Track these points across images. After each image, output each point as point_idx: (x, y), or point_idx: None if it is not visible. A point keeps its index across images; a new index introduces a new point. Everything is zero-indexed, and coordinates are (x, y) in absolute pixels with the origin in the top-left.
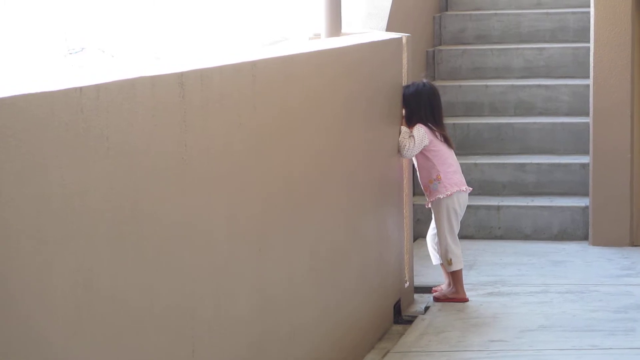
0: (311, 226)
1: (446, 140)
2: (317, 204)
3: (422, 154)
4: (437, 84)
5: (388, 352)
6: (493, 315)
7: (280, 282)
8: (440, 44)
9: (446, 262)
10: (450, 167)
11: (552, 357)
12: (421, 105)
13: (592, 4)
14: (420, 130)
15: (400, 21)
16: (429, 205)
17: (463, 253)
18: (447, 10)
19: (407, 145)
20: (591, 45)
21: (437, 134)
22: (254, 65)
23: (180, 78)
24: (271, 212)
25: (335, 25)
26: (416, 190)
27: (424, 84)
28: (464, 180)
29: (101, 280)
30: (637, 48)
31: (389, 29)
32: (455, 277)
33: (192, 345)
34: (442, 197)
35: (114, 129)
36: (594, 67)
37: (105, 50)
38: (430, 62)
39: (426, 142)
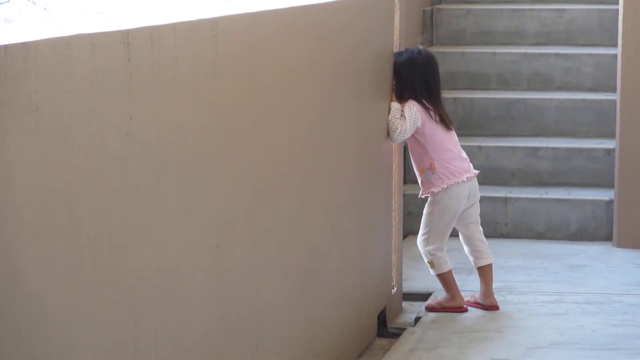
0: (283, 221)
1: (443, 121)
2: (290, 194)
3: (414, 138)
4: (436, 50)
5: None
6: (497, 328)
7: (242, 287)
8: (440, 2)
9: (428, 264)
10: (447, 153)
11: None
12: (415, 77)
13: None
14: (412, 109)
15: None
16: (423, 196)
17: (461, 254)
18: None
19: (399, 127)
20: (620, 6)
21: (431, 113)
22: (215, 23)
23: (126, 37)
24: (234, 201)
25: None
26: (407, 178)
27: (419, 51)
28: (467, 167)
29: (27, 280)
30: None
31: None
32: (446, 282)
33: None
34: (436, 190)
35: (45, 98)
36: (622, 33)
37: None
38: (428, 23)
39: (419, 123)
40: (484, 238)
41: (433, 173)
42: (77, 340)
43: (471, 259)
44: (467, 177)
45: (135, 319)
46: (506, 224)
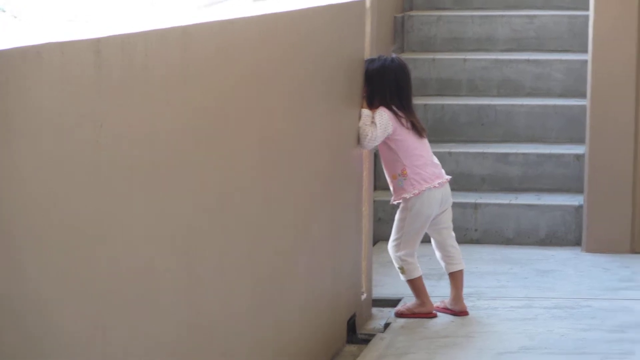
0: (252, 226)
1: (414, 128)
2: (260, 199)
3: (385, 144)
4: (407, 56)
5: None
6: (466, 334)
7: (211, 292)
8: (411, 9)
9: (398, 269)
10: (418, 159)
11: None
12: (386, 85)
13: None
14: (383, 116)
15: None
16: (395, 202)
17: (431, 260)
18: None
19: (370, 134)
20: (590, 13)
21: (402, 120)
22: (185, 31)
23: (97, 45)
24: (203, 206)
25: None
26: (378, 184)
27: (392, 60)
28: (439, 172)
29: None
30: None
31: None
32: (416, 288)
33: None
34: (408, 196)
35: (13, 105)
36: (593, 39)
37: (6, 9)
38: (399, 30)
39: (390, 130)
40: (456, 244)
41: (405, 179)
42: (46, 343)
43: (443, 264)
44: (439, 183)
45: (104, 324)
46: (476, 230)
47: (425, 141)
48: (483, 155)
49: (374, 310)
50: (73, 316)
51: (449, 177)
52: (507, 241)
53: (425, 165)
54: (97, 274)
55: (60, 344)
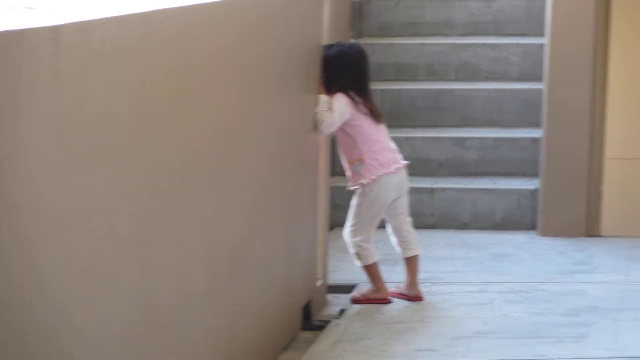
0: (206, 212)
1: (372, 114)
2: (214, 185)
3: (342, 130)
4: (365, 41)
5: None
6: (421, 319)
7: (166, 279)
8: None
9: (354, 255)
10: (375, 144)
11: None
12: (344, 71)
13: None
14: (340, 101)
15: None
16: (352, 188)
17: (386, 246)
18: None
19: (327, 119)
20: None
21: (360, 106)
22: (144, 18)
23: (55, 33)
24: (158, 193)
25: None
26: (335, 170)
27: (350, 46)
28: (396, 158)
29: None
30: (602, 6)
31: None
32: (371, 273)
33: None
34: (365, 182)
35: None
36: (550, 23)
37: None
38: (357, 15)
39: (347, 115)
40: (412, 229)
41: (362, 164)
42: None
43: (399, 249)
44: (395, 168)
45: (62, 310)
46: (432, 215)
47: (383, 127)
48: (440, 140)
49: (329, 296)
50: (29, 301)
51: (406, 162)
52: (463, 226)
53: (382, 150)
54: (52, 259)
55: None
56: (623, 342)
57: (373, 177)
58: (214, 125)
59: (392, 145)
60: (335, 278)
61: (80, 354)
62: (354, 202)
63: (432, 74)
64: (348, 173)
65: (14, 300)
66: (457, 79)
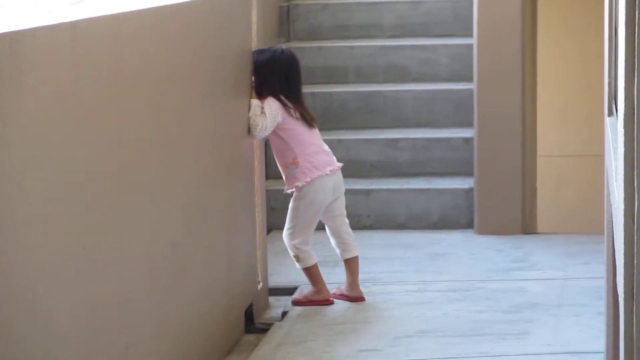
0: (147, 220)
1: (303, 117)
2: (154, 194)
3: (275, 134)
4: (294, 45)
5: None
6: (363, 320)
7: (110, 289)
8: None
9: (294, 258)
10: (309, 147)
11: None
12: (275, 76)
13: None
14: (272, 105)
15: None
16: (289, 191)
17: (326, 247)
18: None
19: (260, 123)
20: None
21: (291, 111)
22: (74, 26)
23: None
24: (98, 203)
25: None
26: (269, 173)
27: (281, 51)
28: (331, 160)
29: None
30: (528, 5)
31: None
32: (311, 275)
33: None
34: (301, 184)
35: None
36: (478, 23)
37: None
38: (285, 19)
39: (279, 119)
40: (350, 230)
41: (297, 167)
42: None
43: (338, 251)
44: (330, 170)
45: (5, 320)
46: (368, 216)
47: (316, 130)
48: (372, 141)
49: (271, 299)
50: None
51: (340, 164)
52: (400, 226)
53: (316, 153)
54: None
55: None
56: (564, 337)
57: (308, 179)
58: (145, 129)
59: (326, 147)
60: (275, 281)
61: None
62: (290, 205)
63: (362, 77)
64: (283, 176)
65: None
66: (387, 81)
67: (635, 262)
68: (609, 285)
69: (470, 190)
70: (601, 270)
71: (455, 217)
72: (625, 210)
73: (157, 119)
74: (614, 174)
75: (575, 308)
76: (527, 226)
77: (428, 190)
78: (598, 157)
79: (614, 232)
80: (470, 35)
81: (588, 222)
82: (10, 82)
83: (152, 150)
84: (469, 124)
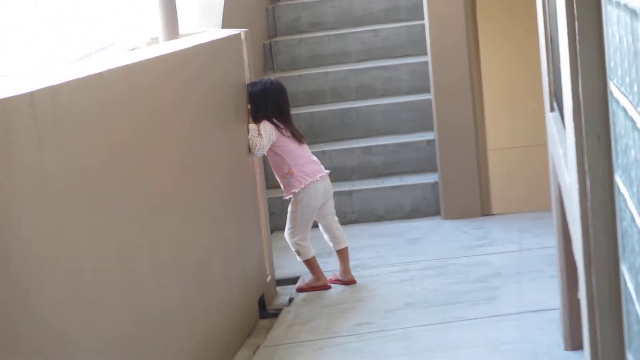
0: (175, 231)
1: (294, 135)
2: (178, 211)
3: (271, 150)
4: (277, 75)
5: (259, 347)
6: (357, 299)
7: (148, 293)
8: (276, 35)
9: (295, 252)
10: (301, 159)
11: (420, 332)
12: (267, 103)
13: None
14: (266, 128)
15: (235, 16)
16: (287, 198)
17: (320, 242)
18: (279, 1)
19: (258, 144)
20: (426, 22)
21: (283, 130)
22: (100, 76)
23: (31, 99)
24: (133, 223)
25: (172, 27)
26: (268, 184)
27: (271, 82)
28: (319, 168)
29: None
30: (470, 22)
31: (224, 25)
32: (311, 266)
33: None
34: (297, 191)
35: None
36: (431, 44)
37: None
38: (268, 54)
39: (274, 138)
40: (340, 226)
41: (292, 177)
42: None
43: (331, 244)
44: (320, 177)
45: (63, 320)
46: (353, 212)
47: (305, 145)
48: (350, 150)
49: (278, 288)
50: (35, 313)
51: (328, 171)
52: (379, 218)
53: (307, 163)
54: (52, 281)
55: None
56: (525, 299)
57: (302, 186)
58: (171, 163)
59: (315, 158)
60: (280, 273)
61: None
62: (289, 209)
63: (337, 96)
64: (282, 186)
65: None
66: (358, 98)
67: (590, 231)
68: (561, 253)
69: (436, 183)
70: (550, 241)
71: (425, 207)
72: (579, 189)
73: (177, 149)
74: (562, 159)
75: (532, 274)
76: (485, 209)
77: (400, 186)
78: (541, 147)
79: (567, 208)
80: (425, 54)
81: (536, 202)
82: (54, 129)
83: (175, 177)
84: (430, 129)
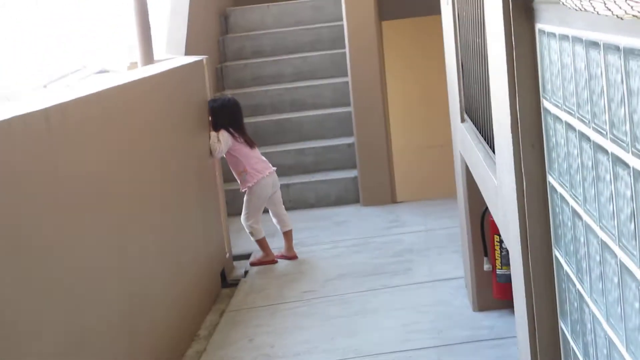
0: (157, 220)
1: (246, 141)
2: (158, 203)
3: (229, 153)
4: (228, 92)
5: (224, 311)
6: (300, 271)
7: (138, 275)
8: (225, 61)
9: (249, 234)
10: (252, 159)
11: (354, 297)
12: (225, 116)
13: (344, 18)
14: (224, 135)
15: (194, 46)
16: (243, 190)
17: (266, 225)
18: (227, 33)
19: (218, 148)
20: (347, 51)
21: (237, 138)
22: (100, 95)
23: (46, 114)
24: (128, 215)
25: (148, 54)
26: (224, 179)
27: (229, 99)
28: (267, 166)
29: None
30: (380, 50)
31: (187, 53)
32: (262, 245)
33: None
34: (251, 185)
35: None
36: (351, 67)
37: None
38: (220, 76)
39: (230, 143)
40: (285, 212)
41: (246, 174)
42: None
43: (278, 227)
44: (268, 173)
45: (67, 310)
46: (290, 201)
47: (256, 148)
48: (287, 152)
49: (235, 263)
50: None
51: (275, 168)
52: (311, 206)
53: (257, 162)
54: (70, 291)
55: (29, 321)
56: (435, 269)
57: (255, 181)
58: (155, 167)
59: (264, 158)
60: (236, 250)
61: None
62: (245, 198)
63: (275, 109)
64: (239, 181)
65: None
66: (292, 111)
67: (527, 223)
68: (467, 233)
69: (355, 178)
70: (449, 222)
71: (347, 196)
72: (516, 187)
73: (159, 156)
74: (482, 162)
75: (438, 249)
76: (394, 198)
77: (327, 180)
78: (440, 147)
79: (498, 203)
80: (344, 75)
81: (436, 191)
82: (63, 139)
83: (161, 173)
84: (350, 134)
